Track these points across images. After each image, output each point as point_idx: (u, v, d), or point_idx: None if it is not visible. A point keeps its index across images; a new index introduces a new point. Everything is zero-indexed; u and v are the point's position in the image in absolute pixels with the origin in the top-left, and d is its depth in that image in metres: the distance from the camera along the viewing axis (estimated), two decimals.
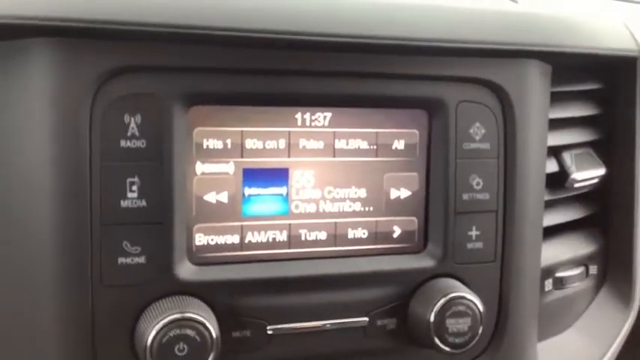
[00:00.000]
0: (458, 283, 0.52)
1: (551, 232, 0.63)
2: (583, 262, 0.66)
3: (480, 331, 0.51)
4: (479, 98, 0.53)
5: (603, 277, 0.68)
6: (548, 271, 0.63)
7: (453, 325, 0.51)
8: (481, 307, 0.51)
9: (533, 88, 0.55)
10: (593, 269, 0.67)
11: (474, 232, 0.54)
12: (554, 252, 0.64)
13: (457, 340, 0.51)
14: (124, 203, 0.46)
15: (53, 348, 0.46)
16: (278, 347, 0.50)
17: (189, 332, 0.45)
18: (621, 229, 0.67)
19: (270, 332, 0.50)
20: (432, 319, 0.51)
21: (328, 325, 0.51)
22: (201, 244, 0.50)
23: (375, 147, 0.53)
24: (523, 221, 0.55)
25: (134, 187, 0.46)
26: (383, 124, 0.53)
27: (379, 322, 0.52)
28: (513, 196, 0.55)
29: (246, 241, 0.51)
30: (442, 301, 0.51)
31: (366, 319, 0.52)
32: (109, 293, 0.46)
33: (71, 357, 0.46)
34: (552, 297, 0.64)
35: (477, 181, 0.54)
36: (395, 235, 0.54)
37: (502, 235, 0.55)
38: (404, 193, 0.54)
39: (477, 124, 0.53)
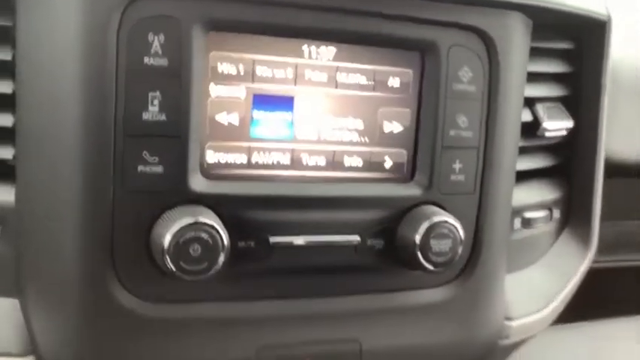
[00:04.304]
0: (441, 210, 0.58)
1: (521, 177, 0.69)
2: (548, 206, 0.73)
3: (460, 251, 0.57)
4: (468, 44, 0.58)
5: (565, 221, 0.75)
6: (517, 211, 0.69)
7: (436, 245, 0.57)
8: (461, 231, 0.57)
9: (516, 38, 0.60)
10: (557, 213, 0.74)
11: (457, 166, 0.60)
12: (523, 195, 0.70)
13: (439, 259, 0.57)
14: (145, 115, 0.50)
15: (74, 247, 0.50)
16: (279, 258, 0.55)
17: (203, 235, 0.49)
18: (584, 178, 0.74)
19: (272, 244, 0.54)
20: (417, 240, 0.56)
21: (324, 241, 0.56)
22: (212, 161, 0.54)
23: (372, 83, 0.57)
24: (501, 159, 0.61)
25: (155, 102, 0.50)
26: (381, 62, 0.57)
27: (369, 242, 0.58)
28: (493, 136, 0.60)
29: (253, 161, 0.55)
30: (427, 224, 0.56)
31: (358, 237, 0.57)
32: (128, 198, 0.50)
33: (90, 255, 0.50)
34: (520, 235, 0.70)
35: (462, 120, 0.59)
36: (386, 166, 0.59)
37: (481, 170, 0.60)
38: (396, 127, 0.59)
39: (466, 68, 0.59)
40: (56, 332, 0.51)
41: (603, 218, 0.78)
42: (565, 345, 0.87)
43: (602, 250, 0.82)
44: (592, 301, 0.93)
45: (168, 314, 0.53)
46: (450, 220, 0.57)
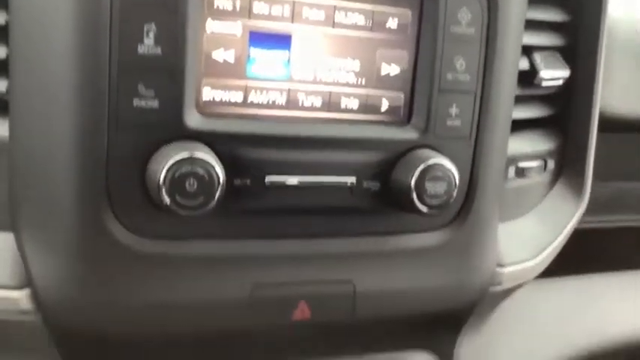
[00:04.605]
0: (437, 153, 0.58)
1: (516, 126, 0.69)
2: (542, 156, 0.73)
3: (454, 195, 0.57)
4: None
5: (559, 172, 0.75)
6: (511, 160, 0.70)
7: (432, 187, 0.57)
8: (456, 174, 0.57)
9: None
10: (551, 164, 0.74)
11: (453, 110, 0.59)
12: (517, 144, 0.70)
13: (434, 202, 0.57)
14: (140, 49, 0.49)
15: (68, 182, 0.50)
16: (274, 198, 0.55)
17: (199, 170, 0.49)
18: (579, 129, 0.74)
19: (267, 183, 0.54)
20: (412, 182, 0.56)
21: (320, 181, 0.56)
22: (208, 98, 0.53)
23: (370, 23, 0.57)
24: (497, 105, 0.61)
25: (150, 34, 0.49)
26: (379, 1, 0.57)
27: (365, 184, 0.58)
28: (491, 81, 0.60)
29: (249, 100, 0.55)
30: (422, 166, 0.56)
31: (353, 179, 0.57)
32: (123, 132, 0.50)
33: (85, 190, 0.50)
34: (513, 184, 0.70)
35: (460, 63, 0.59)
36: (383, 109, 0.59)
37: (478, 115, 0.60)
38: (394, 69, 0.58)
39: (464, 9, 0.58)
40: (51, 267, 0.51)
41: (596, 179, 0.78)
42: (552, 298, 0.88)
43: (595, 210, 0.83)
44: (583, 262, 0.95)
45: (164, 250, 0.53)
46: (446, 162, 0.57)
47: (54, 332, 0.53)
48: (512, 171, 0.70)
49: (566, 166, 0.75)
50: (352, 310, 0.59)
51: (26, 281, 0.52)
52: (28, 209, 0.52)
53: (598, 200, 0.83)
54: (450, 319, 0.67)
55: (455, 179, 0.57)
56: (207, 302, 0.55)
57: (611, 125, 0.81)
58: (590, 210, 0.79)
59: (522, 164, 0.71)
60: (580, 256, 0.91)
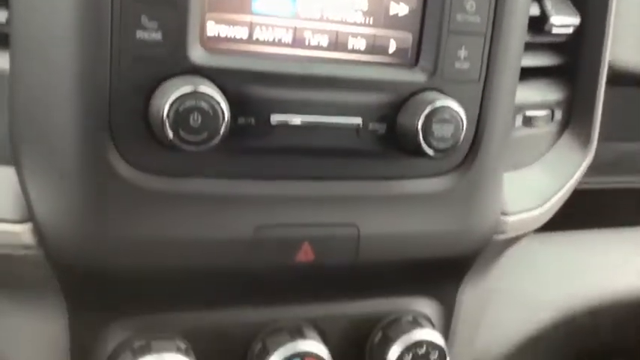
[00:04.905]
0: (444, 96, 0.57)
1: (525, 75, 0.68)
2: (550, 106, 0.72)
3: (462, 138, 0.56)
4: None
5: (566, 123, 0.75)
6: (519, 109, 0.69)
7: (439, 130, 0.56)
8: (463, 117, 0.56)
9: None
10: (558, 114, 0.73)
11: (462, 52, 0.58)
12: (525, 93, 0.69)
13: (441, 145, 0.56)
14: None
15: (70, 115, 0.49)
16: (279, 137, 0.54)
17: (204, 105, 0.48)
18: (587, 79, 0.73)
19: (273, 122, 0.53)
20: (419, 124, 0.55)
21: (326, 121, 0.55)
22: (212, 33, 0.52)
23: None
24: (507, 48, 0.60)
25: None
26: None
27: (371, 126, 0.57)
28: (501, 23, 0.59)
29: (254, 37, 0.53)
30: (430, 108, 0.55)
31: (360, 120, 0.56)
32: (126, 65, 0.49)
33: (87, 124, 0.49)
34: (520, 133, 0.70)
35: (470, 4, 0.57)
36: (390, 50, 0.57)
37: (487, 59, 0.59)
38: (402, 9, 0.57)
39: None
40: (53, 201, 0.51)
41: (600, 139, 0.78)
42: (555, 251, 0.88)
43: (600, 170, 0.83)
44: (586, 221, 0.95)
45: (167, 187, 0.52)
46: (454, 105, 0.56)
47: (56, 267, 0.53)
48: (519, 120, 0.69)
49: (573, 116, 0.74)
50: (355, 254, 0.59)
51: (28, 215, 0.52)
52: (30, 143, 0.51)
53: (602, 160, 0.82)
54: (453, 266, 0.67)
55: (462, 122, 0.56)
56: (209, 240, 0.54)
57: (621, 79, 0.80)
58: (595, 170, 0.79)
59: (530, 113, 0.70)
60: (582, 215, 0.91)
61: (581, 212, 0.88)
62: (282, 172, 0.56)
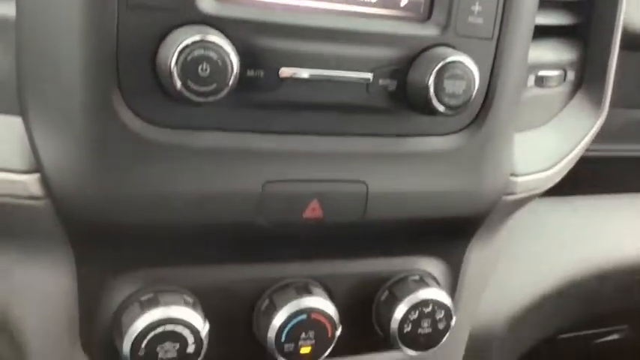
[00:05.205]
0: (457, 51, 0.56)
1: (538, 34, 0.67)
2: (563, 66, 0.71)
3: (474, 95, 0.56)
4: None
5: (579, 84, 0.74)
6: (531, 68, 0.68)
7: (450, 86, 0.55)
8: (476, 73, 0.55)
9: None
10: (571, 75, 0.72)
11: (476, 7, 0.57)
12: (538, 52, 0.68)
13: (452, 102, 0.55)
14: None
15: (78, 65, 0.48)
16: (287, 91, 0.53)
17: (212, 55, 0.47)
18: (601, 39, 0.71)
19: (282, 75, 0.53)
20: (431, 80, 0.54)
21: (336, 75, 0.54)
22: None
23: None
24: (521, 4, 0.58)
25: None
26: None
27: (381, 81, 0.56)
28: None
29: None
30: (441, 63, 0.54)
31: (370, 75, 0.55)
32: (133, 14, 0.48)
33: (95, 74, 0.48)
34: (532, 93, 0.69)
35: None
36: (402, 3, 0.56)
37: (501, 14, 0.58)
38: None
39: None
40: (60, 152, 0.50)
41: (611, 105, 0.76)
42: (564, 215, 0.87)
43: (608, 138, 0.82)
44: (594, 187, 0.94)
45: (174, 140, 0.52)
46: (466, 60, 0.55)
47: (62, 218, 0.53)
48: (531, 79, 0.68)
49: (586, 77, 0.73)
50: (363, 212, 0.59)
51: (36, 166, 0.51)
52: (37, 93, 0.51)
53: (611, 127, 0.81)
54: (461, 227, 0.66)
55: (475, 78, 0.55)
56: (217, 195, 0.54)
57: (635, 44, 0.79)
58: (603, 137, 0.78)
59: (542, 73, 0.69)
60: (590, 182, 0.91)
61: (589, 179, 0.87)
62: (291, 127, 0.55)
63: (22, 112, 0.52)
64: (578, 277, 0.86)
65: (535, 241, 0.85)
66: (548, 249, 0.85)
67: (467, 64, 0.55)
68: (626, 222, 0.92)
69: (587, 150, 0.74)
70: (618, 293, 0.93)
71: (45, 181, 0.51)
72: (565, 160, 0.71)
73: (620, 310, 0.97)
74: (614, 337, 1.11)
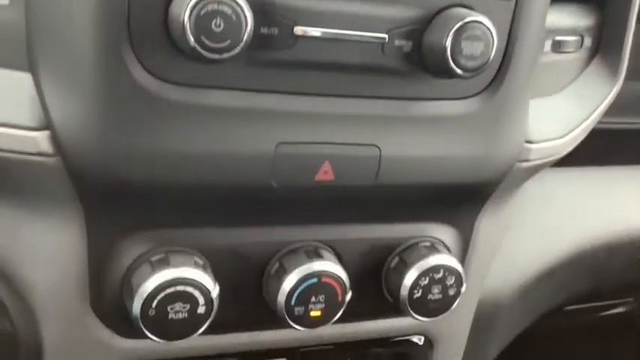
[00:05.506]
0: (474, 12, 0.55)
1: None
2: (580, 32, 0.70)
3: (492, 57, 0.54)
4: None
5: (596, 51, 0.72)
6: (548, 33, 0.66)
7: (468, 47, 0.54)
8: (495, 34, 0.54)
9: None
10: (588, 41, 0.71)
11: None
12: (555, 17, 0.67)
13: (469, 64, 0.54)
14: None
15: (88, 20, 0.47)
16: (302, 50, 0.52)
17: (226, 9, 0.46)
18: (619, 6, 0.70)
19: (296, 33, 0.52)
20: (448, 41, 0.53)
21: (352, 34, 0.53)
22: None
23: None
24: None
25: None
26: None
27: (397, 42, 0.55)
28: None
29: None
30: (460, 23, 0.53)
31: (385, 35, 0.54)
32: None
33: (106, 30, 0.47)
34: (549, 58, 0.68)
35: None
36: None
37: None
38: None
39: None
40: (70, 108, 0.49)
41: (625, 78, 0.75)
42: (574, 185, 0.87)
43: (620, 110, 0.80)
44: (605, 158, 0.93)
45: (187, 98, 0.51)
46: (485, 20, 0.53)
47: (73, 177, 0.52)
48: (548, 45, 0.67)
49: (603, 44, 0.72)
50: (375, 175, 0.58)
51: (45, 123, 0.51)
52: (47, 49, 0.50)
53: (624, 100, 0.80)
54: (473, 193, 0.66)
55: (493, 39, 0.54)
56: (229, 155, 0.53)
57: None
58: (615, 109, 0.77)
59: (559, 38, 0.67)
60: (601, 154, 0.90)
61: (600, 151, 0.86)
62: (304, 87, 0.54)
63: (32, 69, 0.51)
64: (587, 248, 0.85)
65: (545, 211, 0.84)
66: (559, 219, 0.84)
67: (486, 24, 0.53)
68: (637, 194, 0.91)
69: (600, 122, 0.73)
70: (626, 265, 0.92)
71: (55, 138, 0.50)
72: (580, 128, 0.70)
73: (627, 282, 0.97)
74: (620, 309, 1.11)
